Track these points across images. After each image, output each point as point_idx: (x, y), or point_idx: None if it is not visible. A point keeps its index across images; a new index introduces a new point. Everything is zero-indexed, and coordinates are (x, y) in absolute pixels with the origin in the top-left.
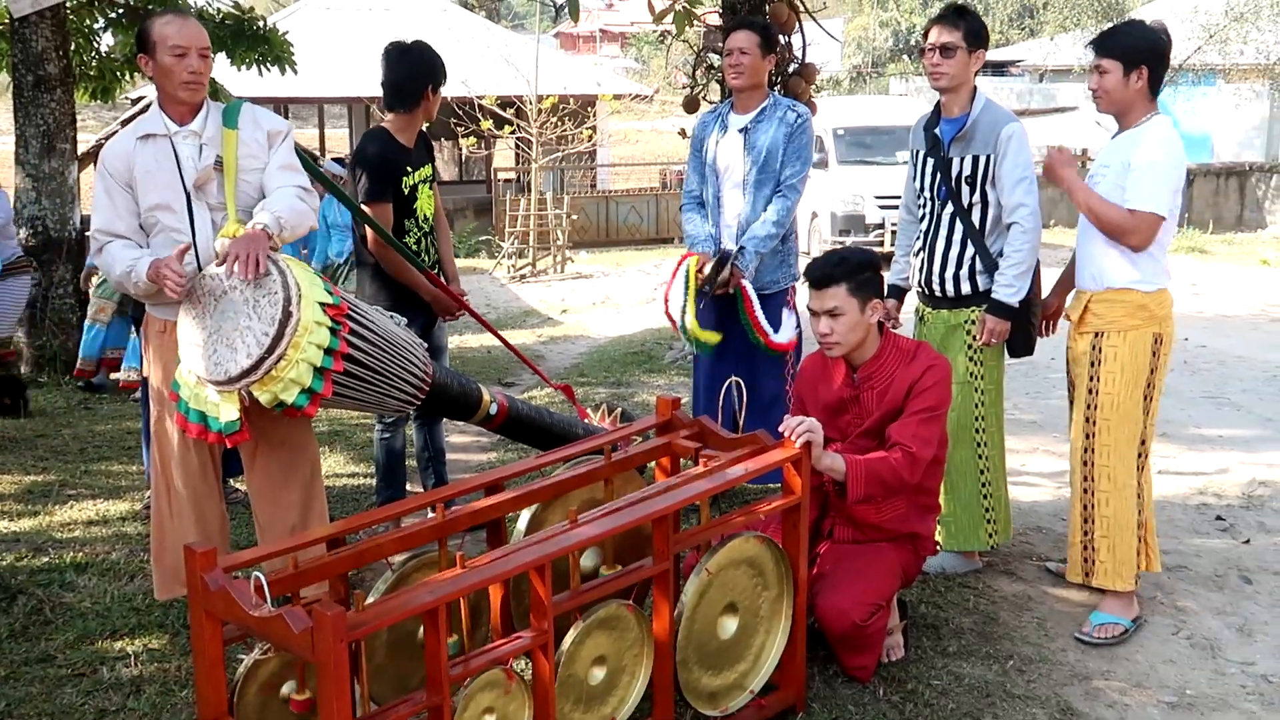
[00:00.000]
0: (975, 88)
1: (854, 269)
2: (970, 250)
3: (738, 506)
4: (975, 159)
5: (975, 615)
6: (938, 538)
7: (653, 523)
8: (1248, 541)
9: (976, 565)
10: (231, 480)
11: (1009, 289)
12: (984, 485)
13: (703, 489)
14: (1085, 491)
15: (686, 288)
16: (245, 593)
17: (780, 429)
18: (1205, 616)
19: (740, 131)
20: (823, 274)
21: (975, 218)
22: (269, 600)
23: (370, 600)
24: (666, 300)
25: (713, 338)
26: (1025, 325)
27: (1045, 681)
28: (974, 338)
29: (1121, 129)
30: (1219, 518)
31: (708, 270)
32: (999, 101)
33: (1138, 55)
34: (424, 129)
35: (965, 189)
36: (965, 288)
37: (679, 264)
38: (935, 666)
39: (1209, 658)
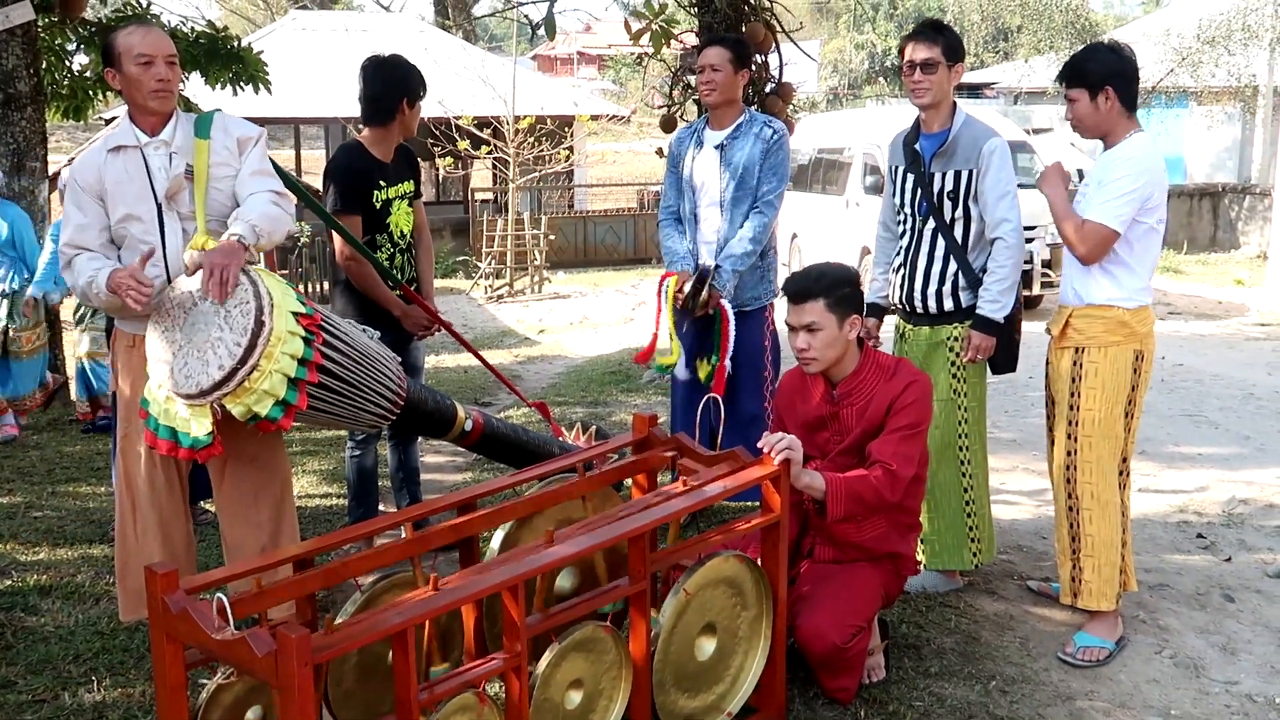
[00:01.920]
0: (955, 103)
1: (832, 284)
2: (953, 266)
3: (715, 525)
4: (957, 174)
5: (957, 635)
6: (920, 557)
7: (629, 541)
8: (1229, 559)
9: (958, 584)
10: (201, 502)
11: (994, 304)
12: (968, 504)
13: (680, 506)
14: (1070, 510)
15: (665, 305)
16: (207, 615)
17: (759, 445)
18: (1188, 635)
19: (716, 148)
20: (801, 288)
21: (958, 233)
22: (232, 622)
23: (338, 622)
24: (657, 324)
25: (672, 359)
26: (1008, 342)
27: (1028, 702)
28: (957, 355)
29: (1106, 148)
30: (1200, 535)
31: (687, 288)
32: None
33: (1100, 78)
34: (406, 145)
35: (947, 204)
36: (948, 304)
37: (660, 284)
38: (917, 687)
39: (1193, 677)
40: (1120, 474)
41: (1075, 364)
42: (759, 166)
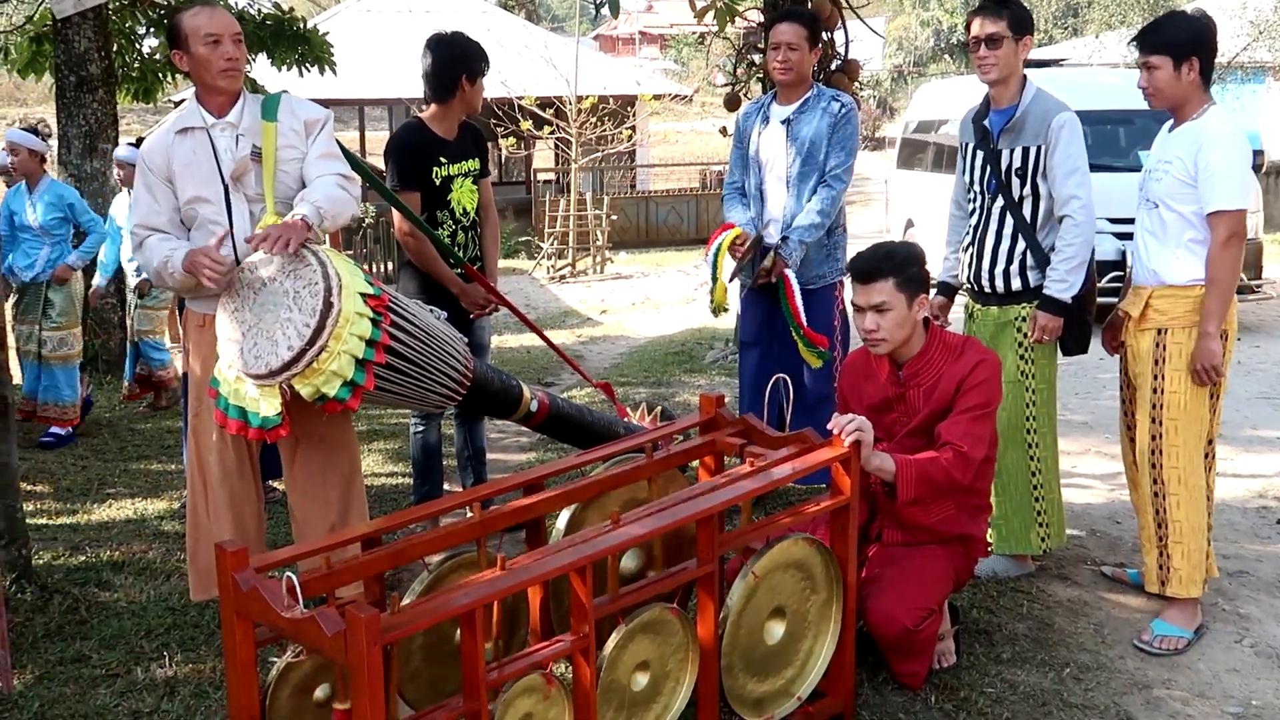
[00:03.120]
0: (1025, 77)
1: (901, 263)
2: (1021, 245)
3: (781, 508)
4: (1025, 151)
5: (1029, 621)
6: (989, 539)
7: (697, 523)
8: None
9: (1029, 569)
10: (271, 481)
11: (1061, 284)
12: (1036, 488)
13: (749, 488)
14: (1156, 495)
15: (718, 255)
16: (277, 593)
17: (829, 427)
18: (1269, 624)
19: (783, 123)
20: (870, 267)
21: (1026, 211)
22: (301, 601)
23: (406, 602)
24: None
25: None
26: (1079, 322)
27: (1103, 690)
28: (1025, 335)
29: (1178, 121)
30: (1279, 522)
31: (748, 245)
32: None
33: (1186, 48)
34: (473, 123)
35: (1015, 182)
36: (1015, 283)
37: (715, 234)
38: (989, 674)
39: (1275, 667)
40: (1205, 456)
41: (1158, 345)
42: (826, 141)
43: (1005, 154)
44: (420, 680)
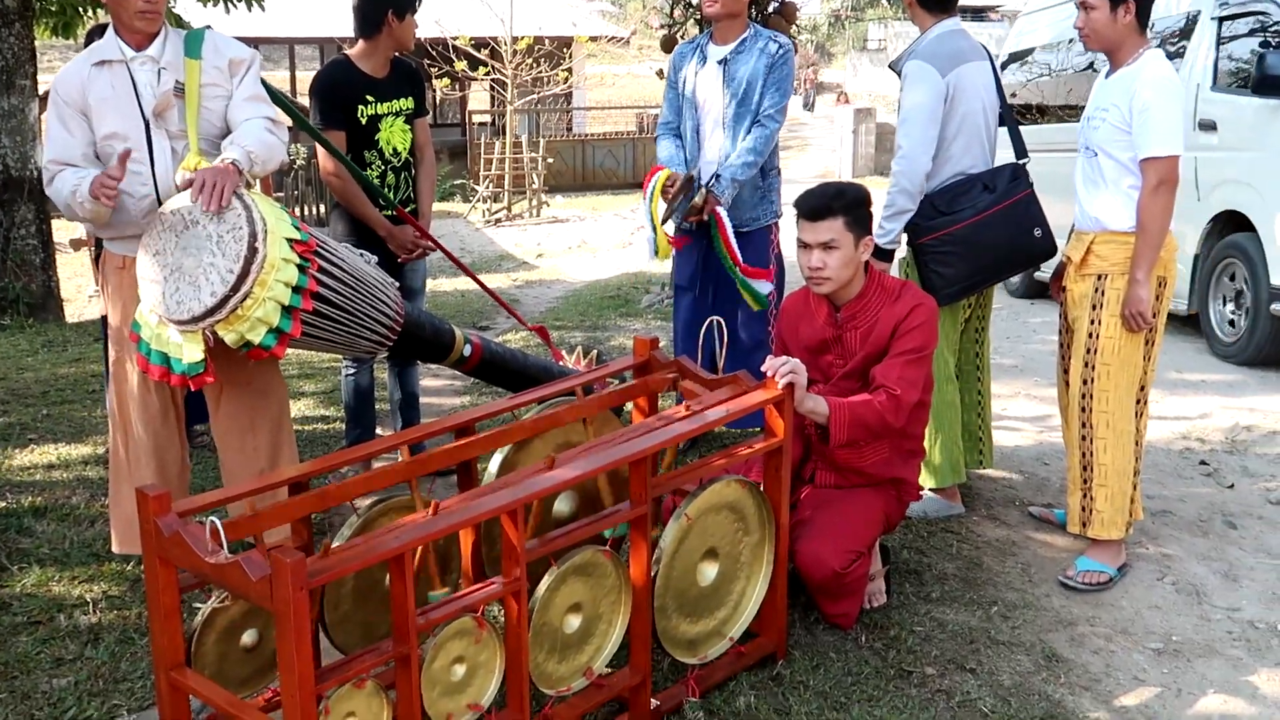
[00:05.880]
0: (938, 23)
1: (851, 202)
2: None
3: (716, 450)
4: (901, 95)
5: (959, 561)
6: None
7: (629, 466)
8: (1231, 486)
9: (959, 509)
10: (196, 426)
11: (878, 232)
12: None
13: (683, 430)
14: (1083, 439)
15: (652, 199)
16: (200, 538)
17: (763, 368)
18: (1190, 562)
19: (720, 63)
20: (820, 205)
21: None
22: (226, 546)
23: (335, 543)
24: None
25: (667, 248)
26: (927, 272)
27: (1030, 627)
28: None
29: (1114, 67)
30: (1203, 463)
31: (678, 185)
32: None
33: None
34: (407, 61)
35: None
36: None
37: (647, 179)
38: (918, 613)
39: (1194, 604)
40: (1138, 402)
41: (1096, 291)
42: (762, 82)
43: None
44: (350, 625)
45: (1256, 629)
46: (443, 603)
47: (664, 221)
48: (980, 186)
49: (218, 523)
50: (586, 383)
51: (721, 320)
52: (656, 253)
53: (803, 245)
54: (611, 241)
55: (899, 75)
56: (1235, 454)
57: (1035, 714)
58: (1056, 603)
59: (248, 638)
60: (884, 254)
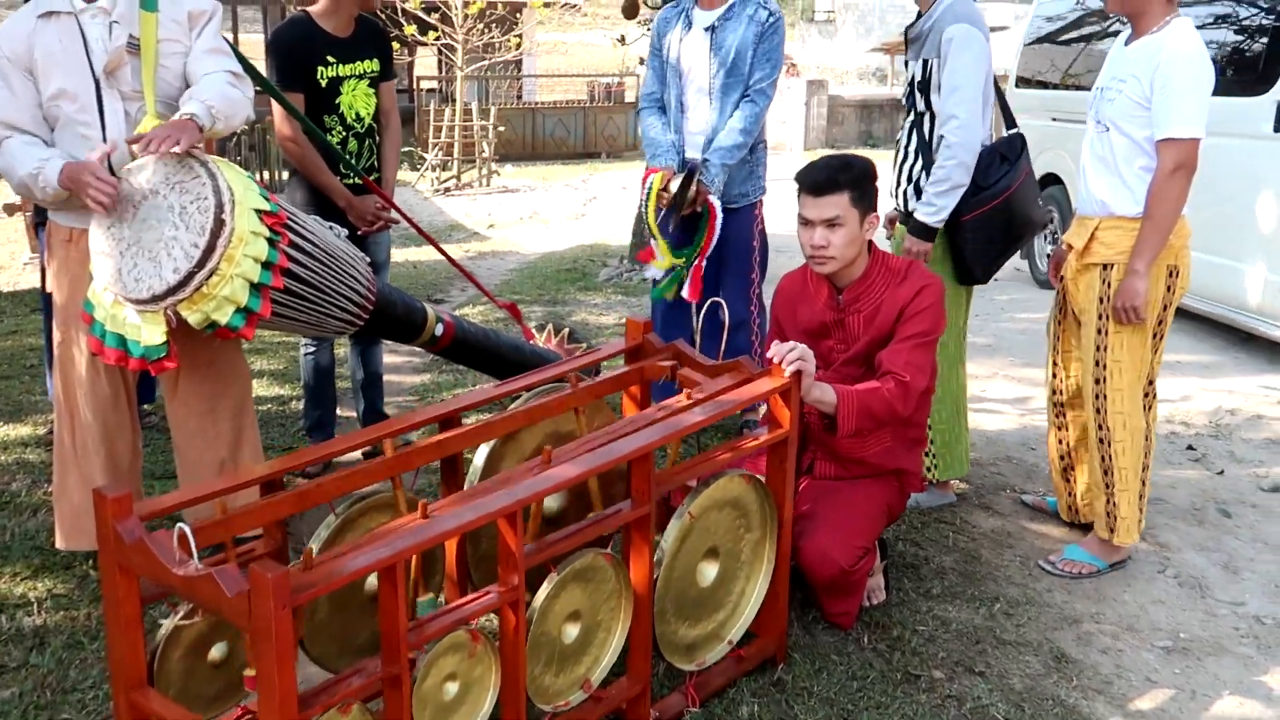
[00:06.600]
0: None
1: (858, 176)
2: (920, 164)
3: (717, 444)
4: (925, 63)
5: (956, 554)
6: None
7: (632, 462)
8: (1221, 473)
9: (951, 499)
10: (145, 405)
11: (928, 208)
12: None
13: (691, 421)
14: (1102, 442)
15: (647, 204)
16: (167, 546)
17: (769, 355)
18: (1189, 553)
19: (706, 30)
20: (824, 179)
21: (925, 128)
22: (195, 555)
23: (314, 546)
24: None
25: (665, 263)
26: (971, 251)
27: (1035, 625)
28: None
29: (1136, 34)
30: (1190, 448)
31: (674, 187)
32: None
33: None
34: (373, 21)
35: (917, 96)
36: (913, 203)
37: (643, 181)
38: (920, 610)
39: (1198, 598)
40: (1145, 396)
41: (1103, 283)
42: (752, 51)
43: (912, 65)
44: (327, 634)
45: (1263, 625)
46: (435, 615)
47: (662, 225)
48: (999, 157)
49: (187, 528)
50: (580, 368)
51: (723, 302)
52: (663, 264)
53: (804, 222)
54: (564, 212)
55: (913, 43)
56: (1221, 439)
57: None
58: (1059, 598)
59: (216, 652)
60: (929, 232)
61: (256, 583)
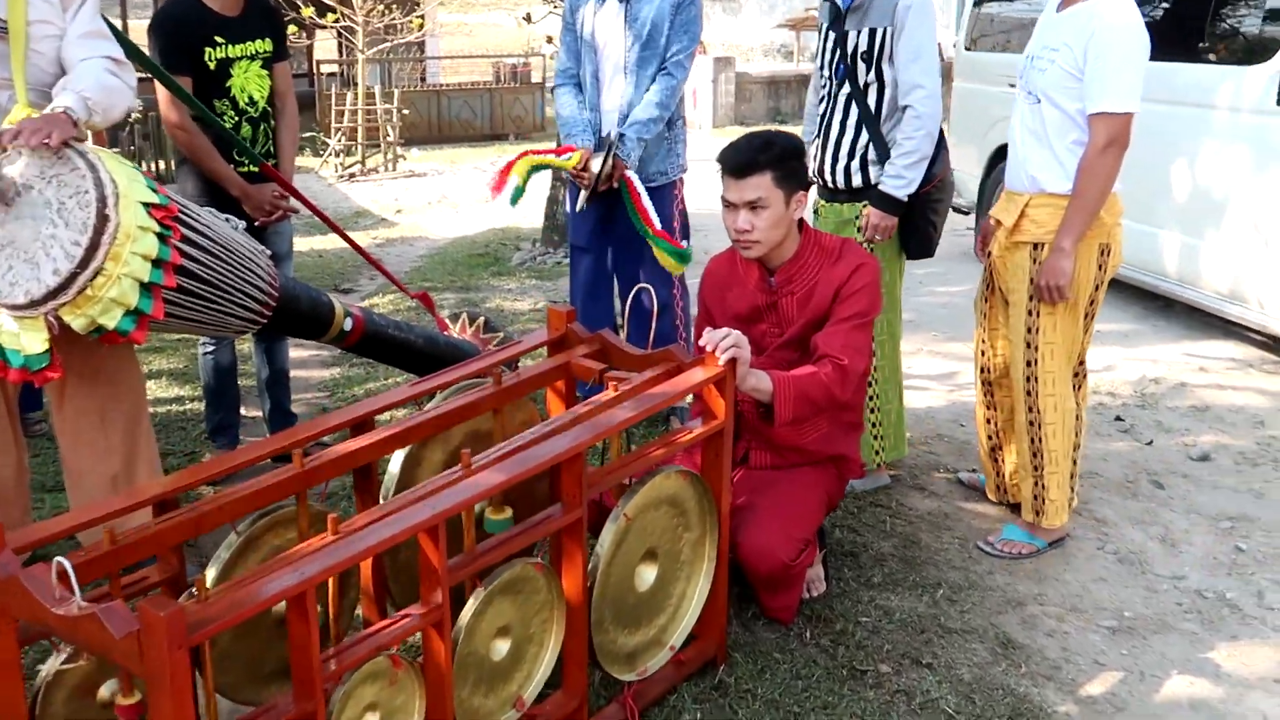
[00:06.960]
0: None
1: (781, 155)
2: (864, 137)
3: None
4: (872, 32)
5: (894, 539)
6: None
7: (562, 464)
8: (1150, 443)
9: (886, 481)
10: (30, 414)
11: (897, 181)
12: (871, 398)
13: (623, 418)
14: (1032, 424)
15: (545, 167)
16: (45, 583)
17: (700, 343)
18: (1125, 527)
19: (621, 3)
20: (746, 159)
21: (871, 100)
22: (78, 592)
23: (211, 572)
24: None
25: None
26: (923, 224)
27: (979, 611)
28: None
29: (1066, 3)
30: (1118, 419)
31: (595, 167)
32: None
33: None
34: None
35: (861, 67)
36: (857, 179)
37: (559, 151)
38: (861, 601)
39: (1139, 574)
40: (1075, 376)
41: (1034, 262)
42: (668, 23)
43: (851, 35)
44: (231, 663)
45: (1205, 599)
46: (352, 643)
47: (584, 205)
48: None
49: (66, 563)
50: (500, 363)
51: (650, 288)
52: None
53: (727, 205)
54: (473, 196)
55: (853, 12)
56: (1147, 408)
57: (1001, 712)
58: (1001, 580)
59: (106, 691)
60: (897, 205)
61: (147, 622)
